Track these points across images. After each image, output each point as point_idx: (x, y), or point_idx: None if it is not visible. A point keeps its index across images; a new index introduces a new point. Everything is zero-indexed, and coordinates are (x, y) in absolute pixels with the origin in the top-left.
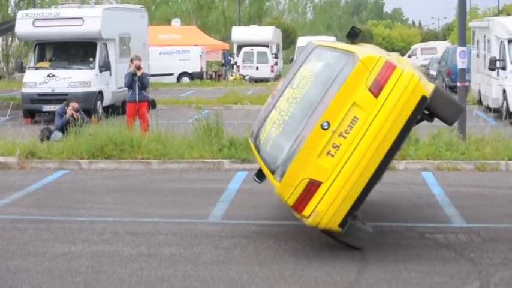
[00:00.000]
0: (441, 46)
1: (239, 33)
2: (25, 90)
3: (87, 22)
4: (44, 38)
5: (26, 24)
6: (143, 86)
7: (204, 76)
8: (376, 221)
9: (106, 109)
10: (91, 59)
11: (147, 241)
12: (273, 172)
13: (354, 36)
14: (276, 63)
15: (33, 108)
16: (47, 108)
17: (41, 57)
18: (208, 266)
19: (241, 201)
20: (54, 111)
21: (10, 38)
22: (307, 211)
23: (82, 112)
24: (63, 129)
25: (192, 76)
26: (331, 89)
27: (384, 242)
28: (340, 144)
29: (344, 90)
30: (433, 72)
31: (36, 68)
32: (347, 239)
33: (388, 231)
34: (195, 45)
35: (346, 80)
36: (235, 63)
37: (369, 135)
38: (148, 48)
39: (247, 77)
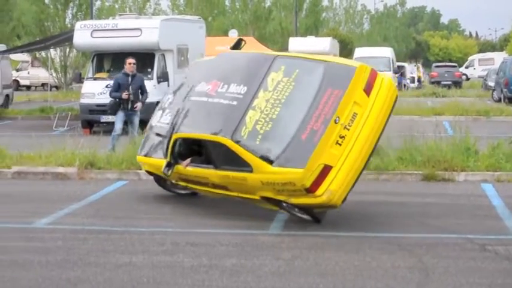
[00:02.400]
0: (498, 57)
1: (296, 44)
2: (83, 100)
3: (145, 33)
4: (102, 49)
5: (84, 35)
6: None
7: None
8: (436, 233)
9: None
10: (149, 70)
11: (207, 252)
12: (270, 161)
13: (237, 47)
14: None
15: (91, 119)
16: (105, 118)
17: (99, 68)
18: (269, 277)
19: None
20: (112, 122)
21: (68, 49)
22: (320, 191)
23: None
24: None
25: None
26: (334, 92)
27: (445, 254)
28: (345, 135)
29: (349, 91)
30: (491, 83)
31: (95, 79)
32: (321, 215)
33: (449, 243)
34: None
35: (350, 84)
36: None
37: (366, 127)
38: None
39: None
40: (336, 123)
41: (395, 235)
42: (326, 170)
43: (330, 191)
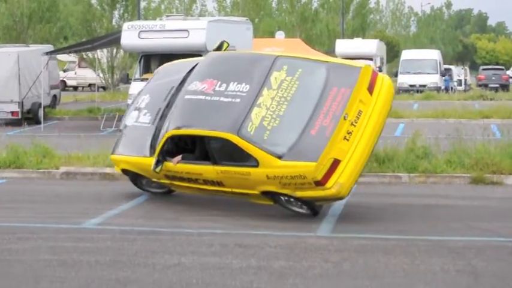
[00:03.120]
0: None
1: (343, 46)
2: (130, 101)
3: (192, 34)
4: (149, 50)
5: (132, 36)
6: None
7: None
8: (485, 236)
9: None
10: None
11: (256, 253)
12: (278, 156)
13: (220, 49)
14: None
15: None
16: None
17: (146, 69)
18: (317, 279)
19: (349, 215)
20: None
21: (115, 50)
22: (329, 183)
23: None
24: None
25: None
26: (341, 90)
27: (494, 257)
28: (352, 131)
29: (356, 90)
30: None
31: (142, 80)
32: (319, 207)
33: (498, 246)
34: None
35: (356, 83)
36: None
37: (370, 123)
38: None
39: None
40: (344, 119)
41: (444, 238)
42: (335, 163)
43: (339, 183)
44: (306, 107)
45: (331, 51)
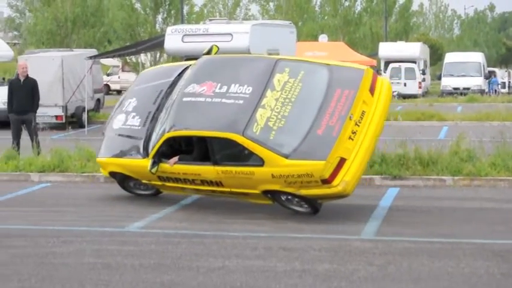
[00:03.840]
0: None
1: (386, 49)
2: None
3: (236, 38)
4: (193, 54)
5: (175, 40)
6: None
7: None
8: None
9: None
10: None
11: (300, 257)
12: (285, 155)
13: (209, 53)
14: (423, 80)
15: None
16: None
17: None
18: (362, 282)
19: (393, 218)
20: None
21: (158, 54)
22: (336, 181)
23: None
24: None
25: None
26: (345, 91)
27: None
28: (357, 131)
29: (360, 91)
30: None
31: None
32: (320, 205)
33: None
34: (342, 61)
35: (360, 85)
36: None
37: (372, 123)
38: None
39: (394, 93)
40: (350, 119)
41: (489, 241)
42: (341, 162)
43: (345, 181)
44: (310, 108)
45: (374, 55)
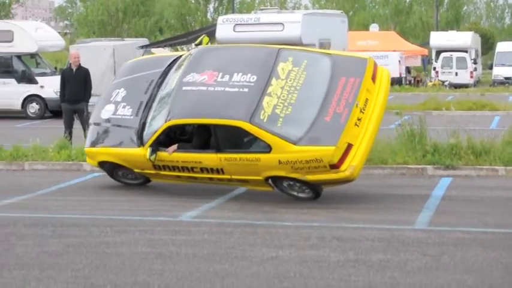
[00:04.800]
0: None
1: (437, 38)
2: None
3: (287, 27)
4: (244, 43)
5: (227, 29)
6: None
7: (403, 82)
8: None
9: None
10: None
11: (353, 247)
12: (293, 141)
13: (201, 44)
14: (475, 69)
15: None
16: None
17: None
18: (416, 272)
19: (446, 208)
20: None
21: (209, 43)
22: (344, 166)
23: None
24: None
25: (391, 81)
26: (350, 79)
27: None
28: (362, 118)
29: (365, 80)
30: None
31: None
32: (321, 191)
33: None
34: (394, 51)
35: (364, 74)
36: (434, 68)
37: (375, 110)
38: None
39: (446, 83)
40: (356, 107)
41: None
42: (349, 148)
43: (352, 166)
44: (316, 96)
45: (425, 44)
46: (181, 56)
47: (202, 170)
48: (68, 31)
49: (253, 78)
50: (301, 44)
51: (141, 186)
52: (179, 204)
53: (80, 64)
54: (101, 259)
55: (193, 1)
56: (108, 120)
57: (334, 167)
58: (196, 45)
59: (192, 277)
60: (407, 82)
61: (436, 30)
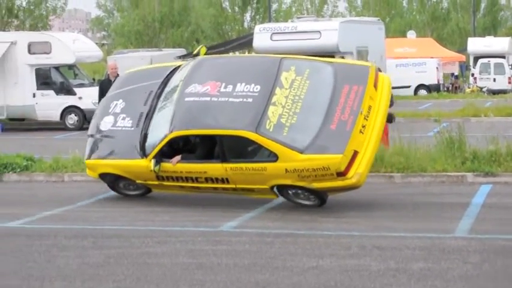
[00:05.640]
0: None
1: (475, 44)
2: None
3: (324, 35)
4: (282, 52)
5: (264, 38)
6: None
7: (441, 88)
8: None
9: None
10: None
11: (394, 256)
12: (299, 150)
13: (198, 54)
14: None
15: None
16: None
17: None
18: (457, 281)
19: (487, 216)
20: None
21: (247, 52)
22: (350, 174)
23: None
24: None
25: (429, 88)
26: (353, 87)
27: None
28: (366, 125)
29: (368, 88)
30: None
31: None
32: (326, 197)
33: None
34: (431, 58)
35: (367, 82)
36: (472, 74)
37: (378, 117)
38: (385, 61)
39: (484, 89)
40: (361, 114)
41: None
42: (355, 155)
43: (358, 173)
44: (320, 104)
45: (462, 50)
46: (179, 66)
47: (206, 179)
48: (105, 42)
49: (256, 88)
50: (339, 52)
51: (181, 197)
52: (219, 214)
53: (118, 75)
54: (142, 270)
55: (229, 10)
56: (108, 132)
57: (341, 174)
58: (194, 55)
59: (232, 287)
60: (445, 89)
61: (473, 36)
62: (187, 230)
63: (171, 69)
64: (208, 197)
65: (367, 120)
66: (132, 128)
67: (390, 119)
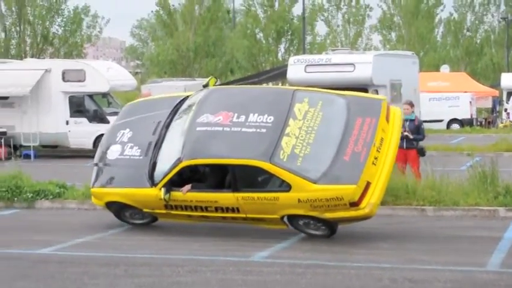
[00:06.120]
0: None
1: (508, 79)
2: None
3: (358, 68)
4: (316, 84)
5: (298, 70)
6: (417, 133)
7: (474, 123)
8: None
9: None
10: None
11: None
12: (313, 180)
13: (207, 86)
14: None
15: None
16: None
17: None
18: None
19: None
20: None
21: (280, 83)
22: (363, 204)
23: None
24: None
25: (461, 123)
26: (366, 120)
27: None
28: (378, 157)
29: (380, 121)
30: None
31: None
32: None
33: None
34: (465, 92)
35: (380, 114)
36: (505, 110)
37: (390, 148)
38: (419, 95)
39: None
40: (374, 146)
41: None
42: (368, 186)
43: (371, 204)
44: (333, 135)
45: (496, 85)
46: (187, 97)
47: (216, 209)
48: (138, 70)
49: (270, 119)
50: (372, 85)
51: (212, 226)
52: (250, 244)
53: None
54: None
55: (263, 42)
56: (115, 161)
57: (354, 204)
58: (204, 86)
59: None
60: (478, 123)
61: (507, 71)
62: (217, 259)
63: (179, 100)
64: (237, 227)
65: (379, 152)
66: (141, 157)
67: (422, 152)
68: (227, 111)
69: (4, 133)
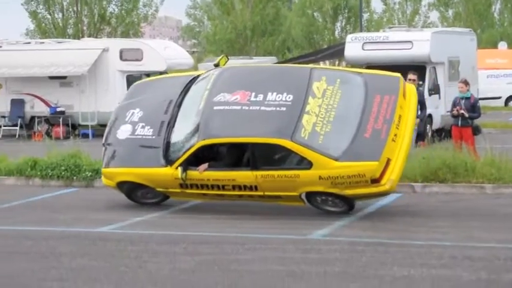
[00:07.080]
0: None
1: None
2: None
3: (416, 45)
4: (373, 62)
5: (356, 47)
6: (473, 111)
7: None
8: None
9: (438, 132)
10: (420, 83)
11: (485, 266)
12: (334, 157)
13: (218, 65)
14: None
15: None
16: None
17: None
18: None
19: None
20: None
21: (337, 62)
22: (384, 181)
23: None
24: None
25: None
26: (385, 97)
27: None
28: (397, 134)
29: (399, 99)
30: None
31: None
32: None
33: None
34: None
35: (399, 92)
36: None
37: (408, 125)
38: (477, 72)
39: None
40: (393, 123)
41: None
42: (388, 162)
43: (391, 180)
44: (353, 113)
45: None
46: (198, 75)
47: (234, 187)
48: (195, 49)
49: (289, 98)
50: (430, 62)
51: (270, 206)
52: (309, 223)
53: None
54: (232, 277)
55: (320, 20)
56: (126, 141)
57: (376, 181)
58: (216, 65)
59: None
60: None
61: None
62: (276, 237)
63: (190, 79)
64: (288, 208)
65: (398, 129)
66: (153, 137)
67: (477, 130)
68: (244, 90)
69: (63, 112)
